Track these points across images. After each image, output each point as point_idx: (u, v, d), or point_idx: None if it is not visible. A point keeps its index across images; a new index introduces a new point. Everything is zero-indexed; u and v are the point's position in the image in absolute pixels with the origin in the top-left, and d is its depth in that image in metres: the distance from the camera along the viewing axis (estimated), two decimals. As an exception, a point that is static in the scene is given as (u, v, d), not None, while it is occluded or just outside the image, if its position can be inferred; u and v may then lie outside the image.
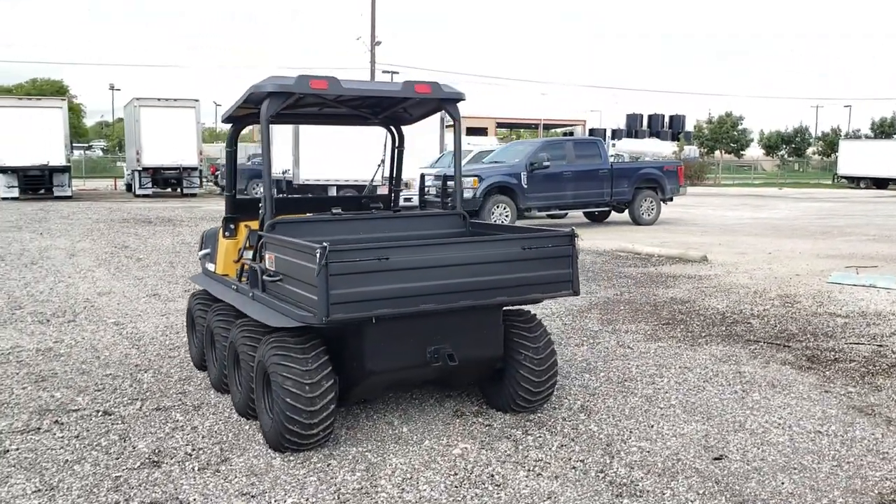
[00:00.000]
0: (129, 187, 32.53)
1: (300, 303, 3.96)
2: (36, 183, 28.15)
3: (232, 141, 5.50)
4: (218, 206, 25.27)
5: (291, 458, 4.06)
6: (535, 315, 4.77)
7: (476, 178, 16.39)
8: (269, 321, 4.13)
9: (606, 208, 18.48)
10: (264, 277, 4.36)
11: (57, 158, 27.55)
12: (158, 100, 30.29)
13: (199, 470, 3.91)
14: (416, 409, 4.83)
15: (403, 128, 5.89)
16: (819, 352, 6.20)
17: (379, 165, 5.99)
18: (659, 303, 8.29)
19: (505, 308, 4.62)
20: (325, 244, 3.69)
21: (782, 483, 3.78)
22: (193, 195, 31.51)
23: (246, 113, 5.31)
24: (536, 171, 16.78)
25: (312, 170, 22.54)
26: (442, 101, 5.01)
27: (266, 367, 4.08)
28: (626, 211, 18.37)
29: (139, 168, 29.86)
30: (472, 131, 63.98)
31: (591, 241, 14.00)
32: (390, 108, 5.62)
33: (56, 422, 4.66)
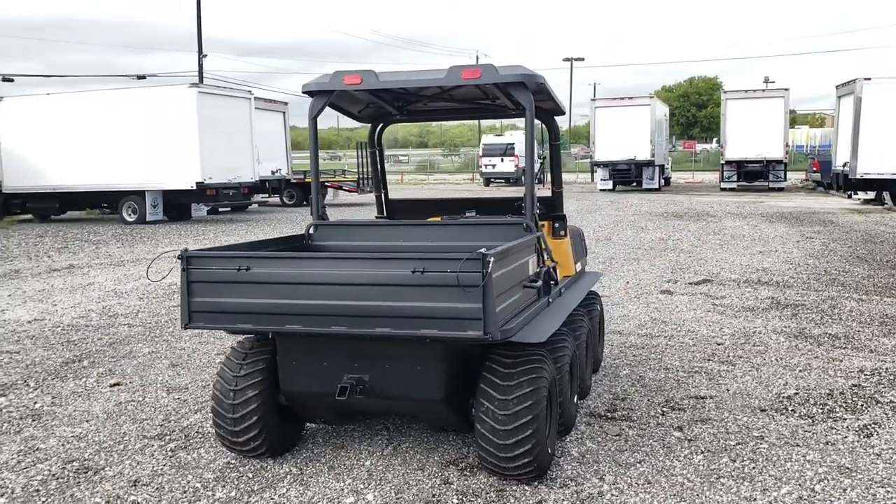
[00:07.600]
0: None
1: None
2: (625, 176, 30.51)
3: (373, 140, 5.42)
4: (775, 201, 23.49)
5: (234, 462, 3.99)
6: (528, 355, 3.53)
7: None
8: None
9: None
10: None
11: (643, 154, 29.28)
12: (746, 91, 29.61)
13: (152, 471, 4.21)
14: (424, 445, 4.13)
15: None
16: None
17: (541, 163, 5.18)
18: None
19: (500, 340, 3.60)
20: (185, 248, 3.59)
21: None
22: (780, 189, 29.80)
23: (378, 112, 5.23)
24: None
25: (875, 161, 19.05)
26: (507, 87, 4.12)
27: None
28: None
29: (723, 161, 29.81)
30: None
31: None
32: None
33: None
